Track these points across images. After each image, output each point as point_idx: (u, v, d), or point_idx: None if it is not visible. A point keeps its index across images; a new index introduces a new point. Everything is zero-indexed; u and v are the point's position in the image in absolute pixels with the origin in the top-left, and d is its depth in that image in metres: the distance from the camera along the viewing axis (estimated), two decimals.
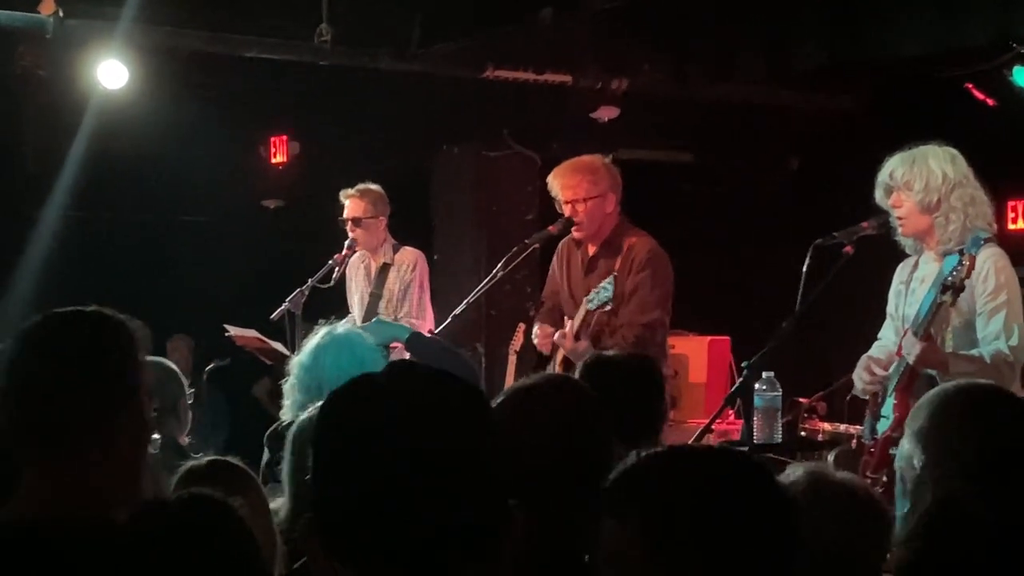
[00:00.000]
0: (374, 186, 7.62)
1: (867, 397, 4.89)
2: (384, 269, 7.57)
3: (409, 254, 7.60)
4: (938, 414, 2.71)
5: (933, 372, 4.62)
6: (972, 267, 4.44)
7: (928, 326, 4.56)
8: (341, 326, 4.38)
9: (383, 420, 1.52)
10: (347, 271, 7.73)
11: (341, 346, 4.22)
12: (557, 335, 6.13)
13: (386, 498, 1.47)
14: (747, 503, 1.75)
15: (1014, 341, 4.52)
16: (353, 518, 1.49)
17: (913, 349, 4.57)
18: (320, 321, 4.48)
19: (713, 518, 1.75)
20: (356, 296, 7.71)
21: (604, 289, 5.89)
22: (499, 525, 1.57)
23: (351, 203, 7.54)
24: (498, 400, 2.59)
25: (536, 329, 6.42)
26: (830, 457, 4.76)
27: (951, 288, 4.45)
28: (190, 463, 3.31)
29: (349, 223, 7.53)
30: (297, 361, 4.29)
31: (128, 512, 1.85)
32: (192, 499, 1.70)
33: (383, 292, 7.52)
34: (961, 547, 1.14)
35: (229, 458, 3.40)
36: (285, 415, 4.27)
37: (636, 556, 1.82)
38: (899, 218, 4.80)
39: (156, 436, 3.07)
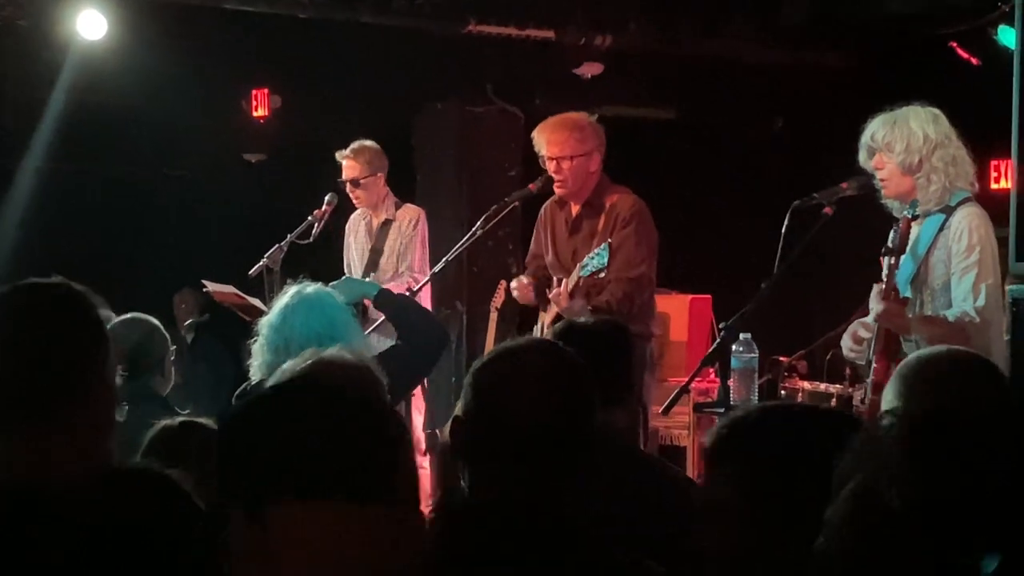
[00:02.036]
0: (368, 143, 7.56)
1: (862, 363, 4.87)
2: (386, 225, 7.54)
3: (411, 211, 7.57)
4: (898, 384, 2.75)
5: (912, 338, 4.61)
6: (907, 230, 4.52)
7: (889, 288, 4.55)
8: (313, 286, 4.33)
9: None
10: (347, 229, 7.72)
11: (311, 306, 4.18)
12: (552, 294, 6.12)
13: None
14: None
15: (980, 302, 4.49)
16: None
17: (876, 309, 4.58)
18: (288, 281, 4.43)
19: (806, 473, 1.76)
20: (356, 253, 7.69)
21: (599, 255, 5.85)
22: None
23: (347, 164, 7.50)
24: (482, 361, 2.57)
25: (514, 283, 6.41)
26: None
27: (892, 252, 4.55)
28: (163, 423, 3.28)
29: (348, 184, 7.49)
30: (266, 321, 4.24)
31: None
32: (130, 475, 1.67)
33: (384, 248, 7.50)
34: (872, 537, 1.12)
35: (203, 420, 3.38)
36: (254, 375, 4.22)
37: (734, 507, 1.92)
38: (882, 180, 4.77)
39: (124, 404, 3.03)
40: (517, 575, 2.22)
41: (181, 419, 3.36)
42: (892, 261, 4.57)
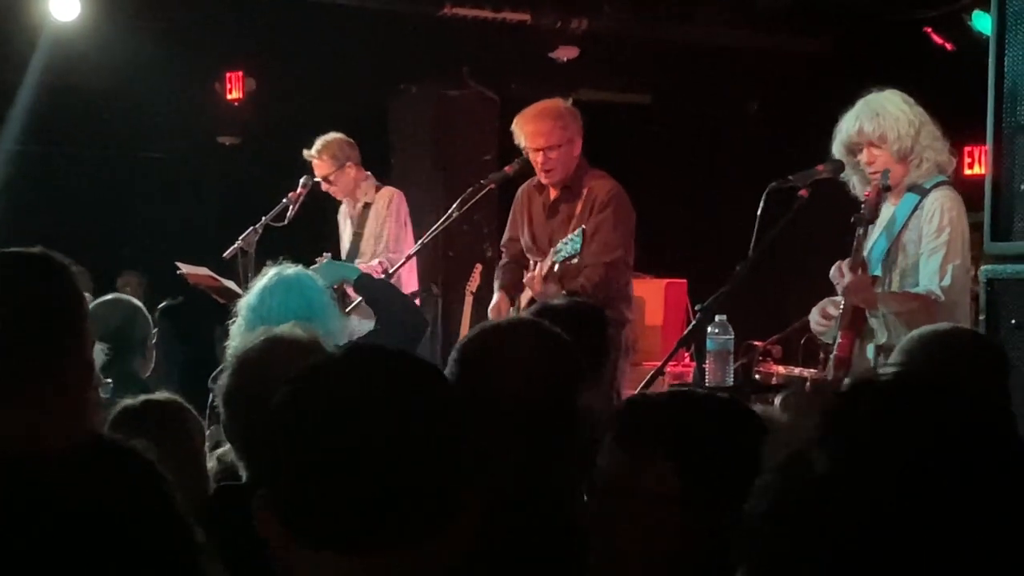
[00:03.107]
0: (331, 136, 7.60)
1: (829, 341, 4.88)
2: (366, 209, 7.62)
3: (387, 192, 7.64)
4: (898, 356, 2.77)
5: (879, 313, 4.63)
6: (875, 199, 4.57)
7: (855, 260, 4.57)
8: (293, 267, 4.32)
9: (344, 405, 1.57)
10: (339, 217, 7.81)
11: (289, 286, 4.16)
12: (527, 278, 6.11)
13: (341, 480, 1.54)
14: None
15: (946, 282, 4.51)
16: (311, 498, 1.54)
17: (842, 281, 4.59)
18: (268, 262, 4.41)
19: (739, 459, 1.76)
20: (345, 238, 7.78)
21: (573, 241, 5.85)
22: (455, 505, 1.60)
23: (315, 164, 7.58)
24: (465, 340, 2.56)
25: (492, 307, 6.40)
26: (776, 400, 4.76)
27: (862, 221, 4.60)
28: (124, 403, 3.26)
29: (323, 182, 7.56)
30: (244, 302, 4.22)
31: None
32: (89, 445, 1.66)
33: (364, 231, 7.55)
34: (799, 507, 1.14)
35: (165, 396, 3.36)
36: (230, 356, 4.20)
37: (671, 492, 1.94)
38: (875, 173, 4.73)
39: (108, 381, 3.02)
40: (506, 555, 2.21)
41: (143, 397, 3.35)
42: (861, 231, 4.58)
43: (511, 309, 6.37)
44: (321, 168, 7.53)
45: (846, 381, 1.36)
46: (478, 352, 2.46)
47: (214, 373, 4.26)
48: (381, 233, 7.51)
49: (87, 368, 2.43)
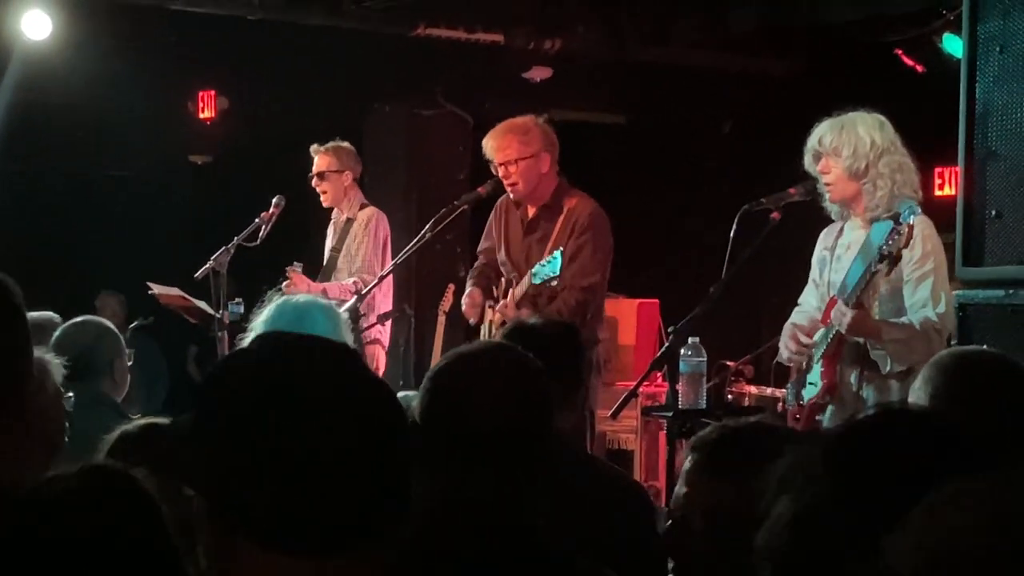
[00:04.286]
0: (344, 143, 7.64)
1: (804, 367, 4.88)
2: (348, 224, 7.59)
3: (368, 211, 7.61)
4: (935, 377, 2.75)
5: (861, 340, 4.63)
6: (910, 236, 4.38)
7: (860, 294, 4.55)
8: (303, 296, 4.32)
9: (263, 400, 1.57)
10: (328, 231, 7.79)
11: (302, 315, 4.17)
12: (500, 304, 6.09)
13: (281, 478, 1.53)
14: None
15: (941, 308, 4.52)
16: (252, 498, 1.54)
17: (844, 318, 4.56)
18: (265, 288, 4.40)
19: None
20: (325, 252, 7.76)
21: (551, 263, 5.82)
22: (400, 509, 1.61)
23: (318, 158, 7.57)
24: (437, 367, 2.55)
25: (466, 294, 6.37)
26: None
27: (888, 257, 4.39)
28: (124, 427, 3.23)
29: (315, 178, 7.54)
30: (253, 328, 4.23)
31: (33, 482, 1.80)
32: (89, 472, 1.65)
33: (342, 248, 7.53)
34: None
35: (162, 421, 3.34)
36: None
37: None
38: (827, 184, 4.79)
39: (70, 395, 2.99)
40: None
41: (143, 422, 3.32)
42: (884, 268, 4.44)
43: (486, 304, 6.31)
44: (322, 163, 7.52)
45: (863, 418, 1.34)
46: (450, 379, 2.45)
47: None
48: (357, 252, 7.49)
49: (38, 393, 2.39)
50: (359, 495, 1.55)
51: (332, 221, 7.73)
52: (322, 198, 7.58)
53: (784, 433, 2.16)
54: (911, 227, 4.37)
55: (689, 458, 2.16)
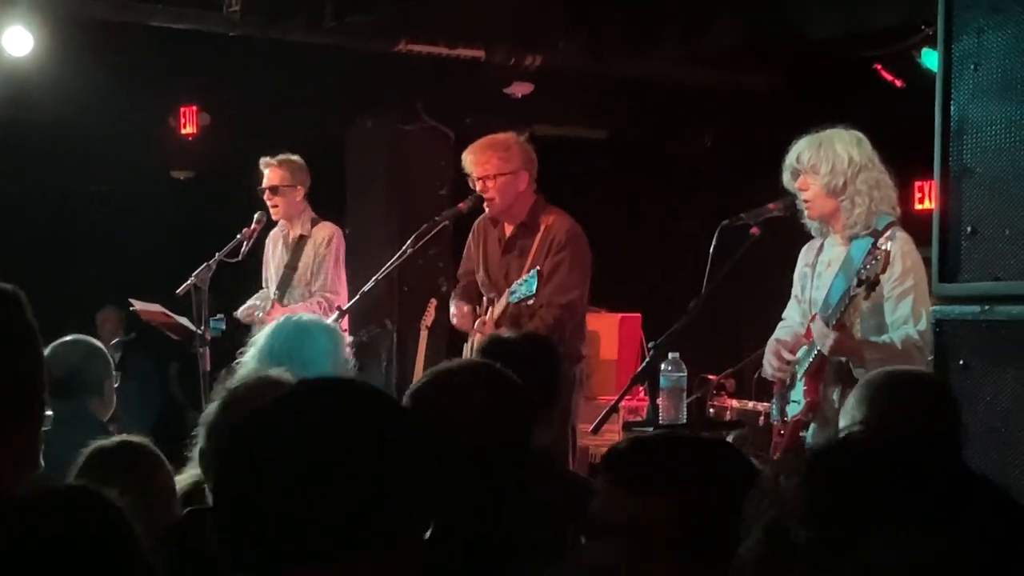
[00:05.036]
0: (294, 156, 7.57)
1: (787, 383, 4.90)
2: (301, 242, 7.51)
3: (326, 228, 7.54)
4: (870, 400, 2.79)
5: (840, 358, 4.65)
6: (887, 262, 4.42)
7: (840, 316, 4.57)
8: (253, 300, 4.34)
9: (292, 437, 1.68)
10: (267, 244, 7.68)
11: (302, 333, 4.19)
12: (477, 323, 6.11)
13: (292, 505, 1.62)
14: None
15: (922, 326, 4.54)
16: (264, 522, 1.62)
17: (826, 340, 4.58)
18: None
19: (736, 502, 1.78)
20: (272, 269, 7.64)
21: (527, 282, 5.84)
22: (406, 528, 1.69)
23: (269, 172, 7.50)
24: (419, 384, 2.56)
25: (452, 308, 6.39)
26: (729, 439, 4.78)
27: (866, 282, 4.43)
28: (98, 443, 3.25)
29: (267, 192, 7.48)
30: (254, 344, 4.25)
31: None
32: (63, 493, 1.66)
33: (299, 265, 7.47)
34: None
35: (139, 439, 3.34)
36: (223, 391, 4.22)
37: (670, 531, 1.94)
38: (805, 201, 4.81)
39: (48, 412, 3.00)
40: None
41: (118, 439, 3.32)
42: (862, 292, 4.48)
43: (467, 344, 6.35)
44: (274, 177, 7.45)
45: (825, 440, 1.37)
46: (430, 397, 2.47)
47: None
48: (319, 271, 7.42)
49: (43, 409, 2.39)
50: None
51: (279, 234, 7.62)
52: (272, 212, 7.49)
53: (699, 444, 2.16)
54: (888, 252, 4.40)
55: (601, 473, 2.15)
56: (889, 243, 4.44)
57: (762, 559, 1.17)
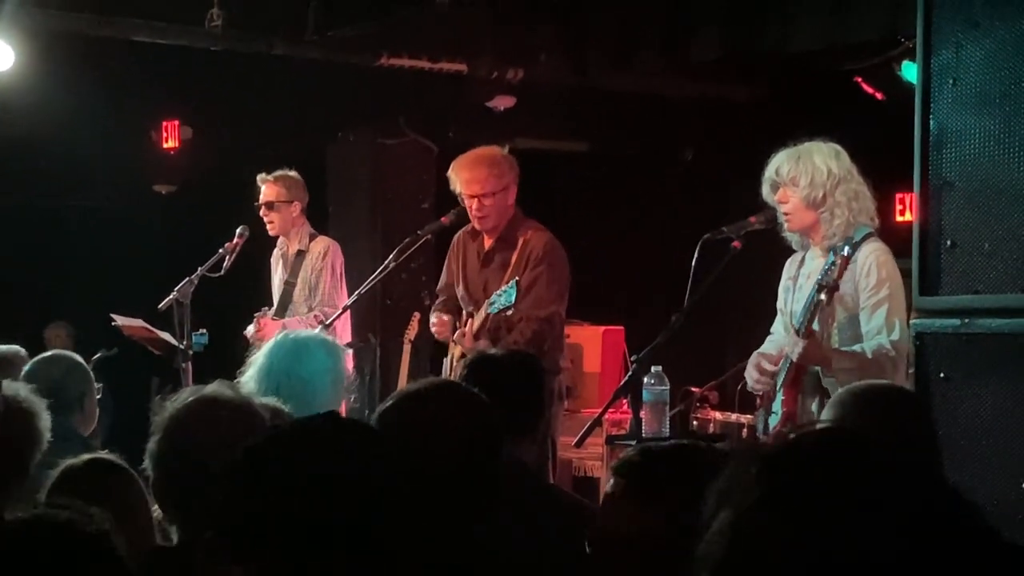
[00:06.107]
0: (292, 172, 7.59)
1: (759, 393, 4.92)
2: (299, 256, 7.53)
3: (322, 242, 7.56)
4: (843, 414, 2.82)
5: (817, 368, 4.67)
6: (844, 267, 4.49)
7: (809, 324, 4.60)
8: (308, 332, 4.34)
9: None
10: (271, 262, 7.72)
11: (300, 349, 4.18)
12: (456, 334, 6.11)
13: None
14: None
15: (895, 335, 4.57)
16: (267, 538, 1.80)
17: (796, 348, 4.61)
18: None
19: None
20: (275, 286, 7.68)
21: (507, 293, 5.85)
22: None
23: (265, 188, 7.52)
24: (384, 406, 2.56)
25: (432, 318, 6.39)
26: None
27: (825, 288, 4.52)
28: (68, 461, 3.21)
29: (263, 208, 7.49)
30: (252, 362, 4.23)
31: None
32: (50, 517, 1.65)
33: (297, 281, 7.48)
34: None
35: (108, 456, 3.32)
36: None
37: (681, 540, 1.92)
38: (785, 214, 4.84)
39: None
40: None
41: (86, 457, 3.29)
42: (824, 298, 4.54)
43: (447, 358, 6.36)
44: (270, 193, 7.47)
45: (783, 432, 1.38)
46: (396, 418, 2.47)
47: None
48: (316, 285, 7.44)
49: None
50: None
51: (279, 252, 7.66)
52: (269, 228, 7.52)
53: (708, 455, 2.16)
54: (845, 259, 4.46)
55: (611, 482, 2.15)
56: (846, 249, 4.48)
57: (718, 553, 1.19)
